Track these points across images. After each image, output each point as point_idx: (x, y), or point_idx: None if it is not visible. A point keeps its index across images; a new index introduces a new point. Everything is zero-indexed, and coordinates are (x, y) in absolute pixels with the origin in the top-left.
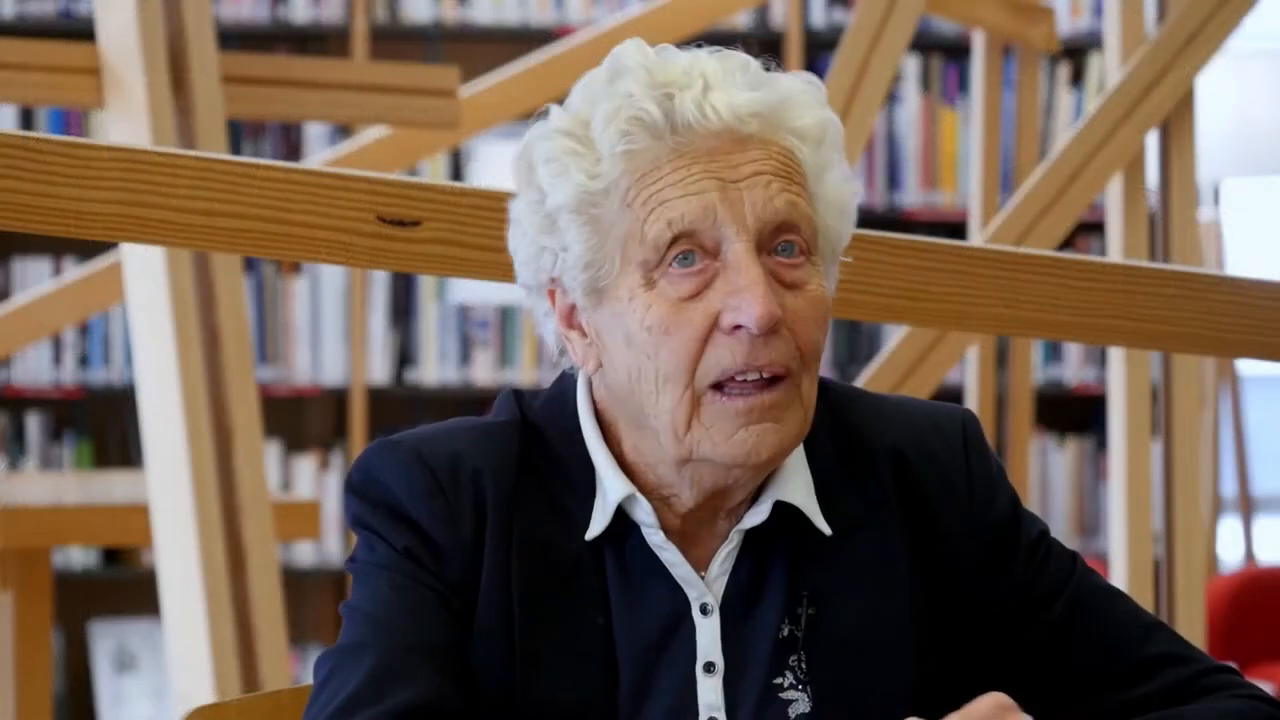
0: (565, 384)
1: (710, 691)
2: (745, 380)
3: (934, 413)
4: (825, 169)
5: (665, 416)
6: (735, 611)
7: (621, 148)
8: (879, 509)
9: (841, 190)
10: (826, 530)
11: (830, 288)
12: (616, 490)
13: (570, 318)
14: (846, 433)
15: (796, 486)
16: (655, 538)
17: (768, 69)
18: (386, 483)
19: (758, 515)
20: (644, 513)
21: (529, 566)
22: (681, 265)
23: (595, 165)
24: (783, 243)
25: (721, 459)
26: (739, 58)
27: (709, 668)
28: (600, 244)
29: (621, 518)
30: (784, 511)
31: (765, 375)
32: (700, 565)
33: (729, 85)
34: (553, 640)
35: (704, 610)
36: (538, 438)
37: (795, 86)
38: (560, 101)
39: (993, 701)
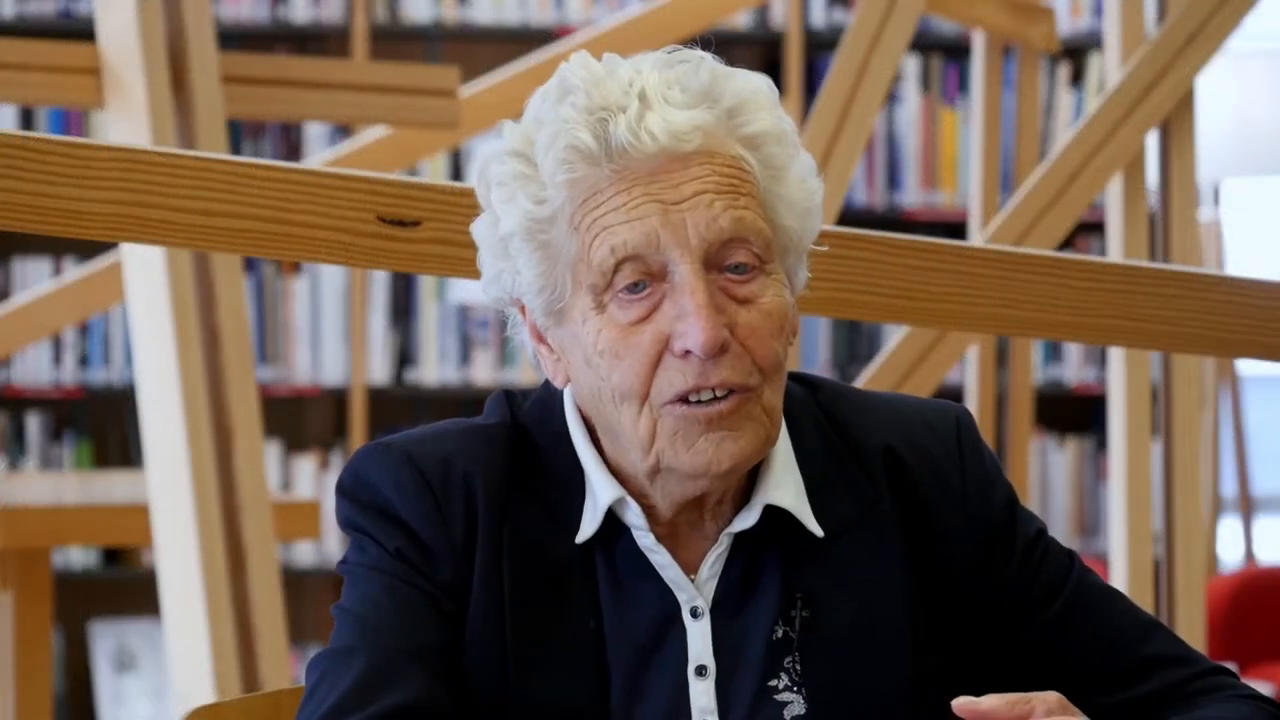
0: (553, 386)
1: (703, 695)
2: (699, 400)
3: (927, 409)
4: (781, 170)
5: (630, 433)
6: (726, 614)
7: (562, 176)
8: (872, 508)
9: (802, 189)
10: (818, 532)
11: (799, 285)
12: (606, 493)
13: (538, 333)
14: (839, 431)
15: (786, 489)
16: (646, 540)
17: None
18: (377, 485)
19: (747, 519)
20: (634, 515)
21: (520, 569)
22: (630, 293)
23: (541, 190)
24: (733, 259)
25: (684, 469)
26: (689, 62)
27: (700, 670)
28: (550, 269)
29: (612, 520)
30: (775, 514)
31: (719, 393)
32: (690, 568)
33: (667, 102)
34: (544, 643)
35: (694, 613)
36: (528, 440)
37: (744, 90)
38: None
39: (1056, 697)
